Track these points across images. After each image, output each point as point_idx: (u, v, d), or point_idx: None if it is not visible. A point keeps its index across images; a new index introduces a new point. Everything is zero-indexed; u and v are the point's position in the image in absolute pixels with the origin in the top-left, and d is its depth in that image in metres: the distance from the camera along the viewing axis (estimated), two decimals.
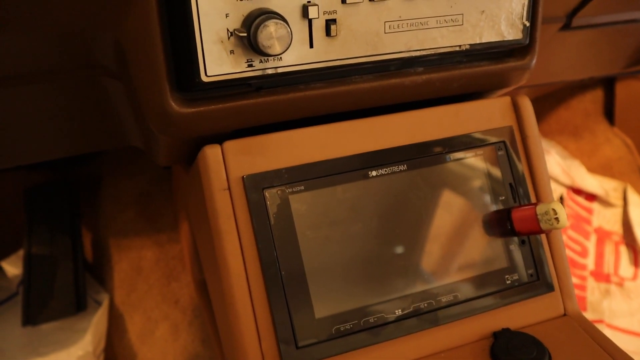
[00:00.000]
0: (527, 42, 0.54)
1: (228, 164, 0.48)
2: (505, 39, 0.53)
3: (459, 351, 0.52)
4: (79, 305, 0.94)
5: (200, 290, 0.94)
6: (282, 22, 0.42)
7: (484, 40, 0.52)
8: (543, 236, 0.56)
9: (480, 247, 0.54)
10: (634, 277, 1.18)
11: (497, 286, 0.54)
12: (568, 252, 1.20)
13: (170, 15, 0.43)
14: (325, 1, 0.45)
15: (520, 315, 0.54)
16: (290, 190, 0.49)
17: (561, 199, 1.25)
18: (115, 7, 0.41)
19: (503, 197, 0.55)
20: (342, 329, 0.49)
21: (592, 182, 1.27)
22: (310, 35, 0.45)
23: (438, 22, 0.50)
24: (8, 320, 0.94)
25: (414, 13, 0.48)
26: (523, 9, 0.52)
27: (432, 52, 0.50)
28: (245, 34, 0.42)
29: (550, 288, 0.55)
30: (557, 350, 0.50)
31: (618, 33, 0.84)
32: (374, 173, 0.52)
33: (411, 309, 0.51)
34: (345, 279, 0.50)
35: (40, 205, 1.00)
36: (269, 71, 0.45)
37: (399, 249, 0.52)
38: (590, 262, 1.20)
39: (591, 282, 1.18)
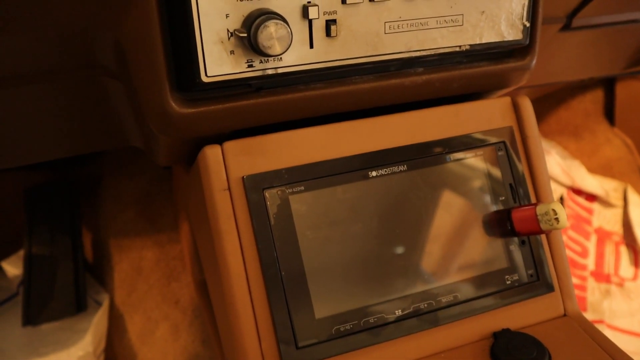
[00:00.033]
0: (527, 42, 0.54)
1: (228, 164, 0.49)
2: (505, 40, 0.53)
3: (459, 351, 0.52)
4: (79, 306, 0.94)
5: (200, 290, 0.94)
6: (282, 22, 0.42)
7: (484, 41, 0.52)
8: (543, 236, 0.56)
9: (480, 248, 0.54)
10: (634, 278, 1.18)
11: (497, 286, 0.54)
12: (568, 253, 1.20)
13: (171, 15, 0.43)
14: (326, 1, 0.45)
15: (520, 315, 0.54)
16: (290, 190, 0.49)
17: (561, 200, 1.25)
18: (116, 7, 0.41)
19: (503, 198, 0.55)
20: (342, 329, 0.49)
21: (592, 183, 1.27)
22: (310, 36, 0.46)
23: (438, 22, 0.50)
24: (8, 320, 0.94)
25: (414, 13, 0.48)
26: (523, 9, 0.52)
27: (432, 52, 0.50)
28: (245, 35, 0.42)
29: (550, 288, 0.55)
30: (557, 350, 0.50)
31: (618, 33, 0.84)
32: (374, 173, 0.52)
33: (411, 309, 0.51)
34: (345, 279, 0.50)
35: (40, 205, 1.01)
36: (269, 71, 0.45)
37: (399, 250, 0.52)
38: (590, 262, 1.20)
39: (591, 283, 1.18)
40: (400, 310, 0.51)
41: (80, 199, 1.05)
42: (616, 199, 1.29)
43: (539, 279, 0.55)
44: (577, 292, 1.16)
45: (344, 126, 0.52)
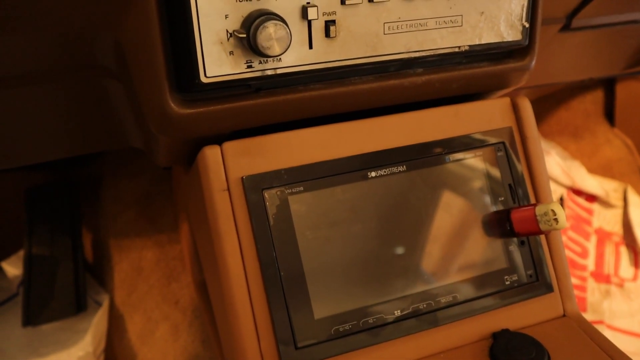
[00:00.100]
0: (527, 43, 0.54)
1: (227, 165, 0.49)
2: (505, 40, 0.53)
3: (459, 352, 0.52)
4: (79, 306, 0.94)
5: (200, 290, 0.94)
6: (281, 23, 0.42)
7: (483, 41, 0.52)
8: (542, 237, 0.56)
9: (479, 248, 0.54)
10: (634, 278, 1.18)
11: (496, 287, 0.54)
12: (568, 253, 1.20)
13: (170, 16, 0.43)
14: (325, 2, 0.45)
15: (519, 316, 0.54)
16: (289, 191, 0.49)
17: (561, 200, 1.25)
18: (115, 7, 0.41)
19: (502, 198, 0.55)
20: (341, 329, 0.49)
21: (592, 183, 1.27)
22: (309, 36, 0.46)
23: (437, 23, 0.50)
24: (8, 320, 0.94)
25: (414, 14, 0.48)
26: (522, 10, 0.52)
27: (432, 53, 0.50)
28: (244, 35, 0.42)
29: (549, 289, 0.55)
30: (557, 351, 0.50)
31: (618, 34, 0.84)
32: (373, 174, 0.52)
33: (410, 310, 0.51)
34: (344, 279, 0.50)
35: (40, 205, 1.01)
36: (268, 72, 0.45)
37: (398, 250, 0.52)
38: (590, 262, 1.20)
39: (591, 283, 1.18)
40: (399, 311, 0.51)
41: (80, 199, 1.05)
42: (616, 199, 1.29)
43: (538, 279, 0.55)
44: (577, 292, 1.16)
45: (344, 127, 0.52)
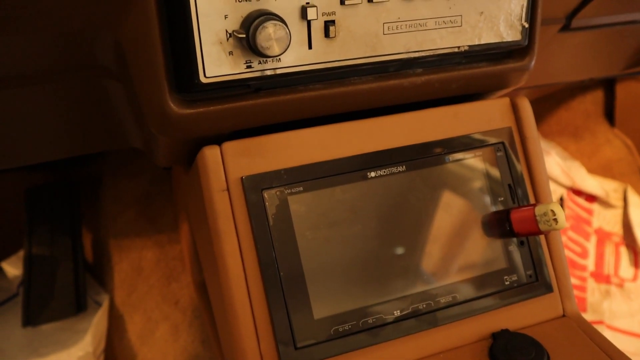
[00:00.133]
0: (526, 43, 0.54)
1: (227, 165, 0.49)
2: (504, 40, 0.53)
3: (458, 352, 0.52)
4: (79, 306, 0.94)
5: (200, 290, 0.94)
6: (280, 23, 0.42)
7: (483, 42, 0.52)
8: (542, 237, 0.56)
9: (479, 248, 0.54)
10: (634, 278, 1.18)
11: (496, 287, 0.54)
12: (568, 253, 1.20)
13: (170, 16, 0.43)
14: (324, 2, 0.45)
15: (519, 316, 0.54)
16: (289, 191, 0.49)
17: (561, 200, 1.25)
18: (115, 7, 0.41)
19: (502, 198, 0.55)
20: (340, 329, 0.49)
21: (592, 183, 1.27)
22: (309, 37, 0.46)
23: (437, 23, 0.50)
24: (8, 321, 0.95)
25: (413, 14, 0.48)
26: (522, 10, 0.52)
27: (431, 53, 0.50)
28: (244, 35, 0.42)
29: (549, 289, 0.55)
30: (556, 351, 0.50)
31: (618, 34, 0.84)
32: (372, 174, 0.52)
33: (410, 310, 0.51)
34: (344, 279, 0.50)
35: (40, 205, 1.01)
36: (268, 72, 0.45)
37: (398, 250, 0.52)
38: (590, 263, 1.20)
39: (591, 283, 1.18)
40: (399, 311, 0.51)
41: (80, 200, 1.05)
42: (616, 199, 1.29)
43: (537, 279, 0.55)
44: (577, 292, 1.16)
45: (343, 127, 0.52)
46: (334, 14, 0.46)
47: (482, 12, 0.51)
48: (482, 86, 0.57)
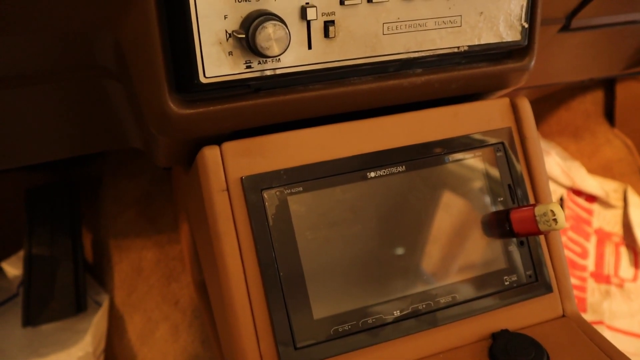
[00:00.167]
0: (526, 43, 0.54)
1: (227, 165, 0.49)
2: (504, 41, 0.53)
3: (458, 352, 0.52)
4: (79, 306, 0.95)
5: (200, 291, 0.94)
6: (280, 23, 0.42)
7: (482, 42, 0.52)
8: (542, 237, 0.56)
9: (479, 248, 0.54)
10: (634, 279, 1.18)
11: (495, 287, 0.54)
12: (568, 254, 1.20)
13: (170, 16, 0.43)
14: (324, 2, 0.45)
15: (518, 316, 0.54)
16: (288, 191, 0.49)
17: (561, 200, 1.25)
18: (115, 8, 0.41)
19: (502, 198, 0.55)
20: (340, 329, 0.49)
21: (592, 184, 1.27)
22: (308, 37, 0.46)
23: (437, 23, 0.50)
24: (8, 321, 0.95)
25: (413, 14, 0.48)
26: (522, 10, 0.52)
27: (431, 53, 0.50)
28: (243, 36, 0.42)
29: (548, 289, 0.55)
30: (556, 351, 0.50)
31: (618, 34, 0.84)
32: (372, 174, 0.52)
33: (410, 310, 0.51)
34: (343, 279, 0.50)
35: (40, 206, 1.01)
36: (268, 72, 0.45)
37: (398, 250, 0.52)
38: (590, 263, 1.20)
39: (591, 284, 1.18)
40: (398, 311, 0.51)
41: (80, 200, 1.06)
42: (616, 199, 1.29)
43: (537, 279, 0.55)
44: (576, 293, 1.16)
45: (343, 127, 0.52)
46: (334, 14, 0.46)
47: (481, 13, 0.51)
48: (481, 86, 0.57)
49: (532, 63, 0.56)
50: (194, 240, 0.83)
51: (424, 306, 0.51)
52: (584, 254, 1.21)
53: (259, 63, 0.45)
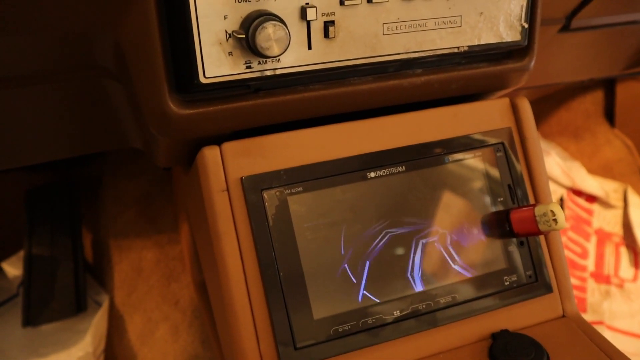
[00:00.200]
0: (526, 43, 0.54)
1: (227, 165, 0.49)
2: (504, 41, 0.53)
3: (458, 352, 0.52)
4: (79, 306, 0.95)
5: (200, 291, 0.94)
6: (280, 23, 0.42)
7: (482, 42, 0.52)
8: (542, 237, 0.56)
9: (479, 248, 0.54)
10: (634, 279, 1.18)
11: (495, 287, 0.54)
12: (568, 254, 1.20)
13: (170, 17, 0.43)
14: (324, 3, 0.45)
15: (518, 316, 0.54)
16: (288, 191, 0.49)
17: (561, 201, 1.25)
18: (115, 9, 0.41)
19: (502, 199, 0.55)
20: (340, 330, 0.49)
21: (592, 184, 1.27)
22: (308, 37, 0.46)
23: (436, 23, 0.50)
24: (8, 321, 0.95)
25: (413, 15, 0.48)
26: (521, 10, 0.52)
27: (431, 53, 0.50)
28: (243, 36, 0.42)
29: (548, 289, 0.55)
30: (556, 351, 0.50)
31: (618, 34, 0.84)
32: (372, 174, 0.52)
33: (410, 310, 0.51)
34: (343, 280, 0.50)
35: (40, 206, 1.01)
36: (268, 73, 0.45)
37: (398, 250, 0.52)
38: (590, 263, 1.20)
39: (591, 284, 1.18)
40: (398, 311, 0.51)
41: (80, 200, 1.06)
42: (616, 200, 1.29)
43: (537, 280, 0.55)
44: (577, 293, 1.16)
45: (343, 127, 0.52)
46: (334, 14, 0.46)
47: (481, 13, 0.51)
48: (481, 86, 0.57)
49: (532, 63, 0.56)
50: (194, 241, 0.83)
51: (424, 306, 0.51)
52: (584, 254, 1.21)
53: (259, 63, 0.45)
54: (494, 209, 0.55)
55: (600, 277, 1.18)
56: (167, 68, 0.44)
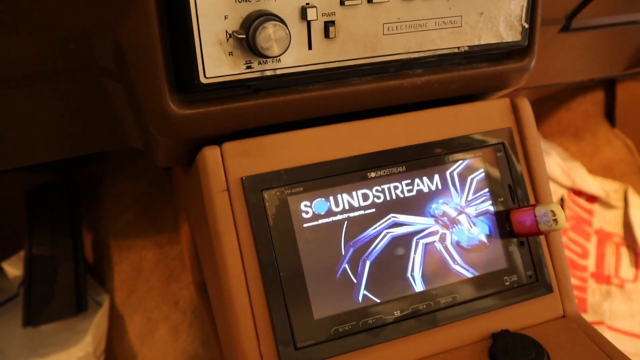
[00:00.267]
0: (526, 43, 0.54)
1: (227, 166, 0.49)
2: (504, 41, 0.53)
3: (458, 352, 0.52)
4: (79, 306, 0.95)
5: (200, 291, 0.94)
6: (280, 23, 0.42)
7: (482, 42, 0.52)
8: (542, 237, 0.56)
9: (479, 249, 0.54)
10: (635, 279, 1.18)
11: (496, 287, 0.54)
12: (569, 254, 1.20)
13: (170, 17, 0.43)
14: (324, 3, 0.45)
15: (519, 316, 0.54)
16: (289, 191, 0.49)
17: (562, 201, 1.25)
18: (115, 9, 0.41)
19: (502, 199, 0.55)
20: (340, 330, 0.49)
21: (592, 184, 1.27)
22: (308, 37, 0.46)
23: (437, 23, 0.50)
24: (9, 321, 0.95)
25: (413, 15, 0.48)
26: (522, 10, 0.52)
27: (431, 53, 0.50)
28: (244, 36, 0.42)
29: (549, 289, 0.55)
30: (556, 351, 0.50)
31: (618, 35, 0.84)
32: (372, 174, 0.52)
33: (410, 310, 0.51)
34: (344, 280, 0.50)
35: (41, 206, 1.01)
36: (268, 73, 0.45)
37: (398, 250, 0.52)
38: (590, 263, 1.20)
39: (592, 284, 1.18)
40: (399, 311, 0.51)
41: (80, 200, 1.06)
42: (617, 200, 1.29)
43: (538, 280, 0.55)
44: (577, 293, 1.16)
45: (343, 127, 0.52)
46: (334, 14, 0.46)
47: (482, 13, 0.51)
48: (482, 87, 0.57)
49: (533, 63, 0.56)
50: (194, 241, 0.83)
51: (424, 306, 0.51)
52: (584, 255, 1.21)
53: (259, 63, 0.45)
54: (494, 209, 0.55)
55: (601, 277, 1.18)
56: (167, 68, 0.44)
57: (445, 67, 0.53)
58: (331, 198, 0.50)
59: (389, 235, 0.52)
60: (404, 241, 0.52)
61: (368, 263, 0.51)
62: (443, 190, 0.54)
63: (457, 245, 0.54)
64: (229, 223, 0.48)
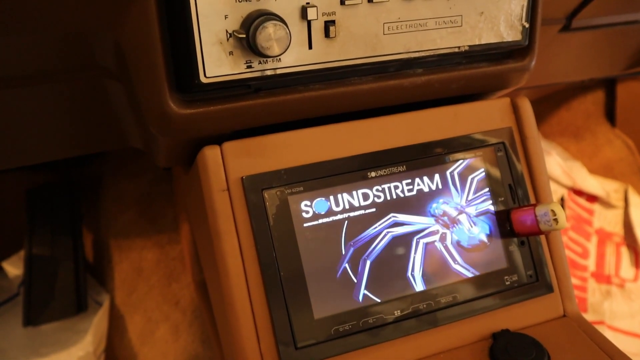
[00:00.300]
0: (527, 43, 0.54)
1: (227, 165, 0.49)
2: (505, 41, 0.53)
3: (458, 352, 0.52)
4: (79, 306, 0.95)
5: (200, 291, 0.94)
6: (281, 23, 0.42)
7: (483, 42, 0.52)
8: (543, 237, 0.56)
9: (479, 248, 0.54)
10: (635, 279, 1.18)
11: (496, 287, 0.54)
12: (569, 254, 1.20)
13: (170, 16, 0.43)
14: (324, 2, 0.45)
15: (519, 316, 0.54)
16: (289, 191, 0.49)
17: (562, 200, 1.25)
18: (115, 9, 0.41)
19: (502, 198, 0.55)
20: (341, 329, 0.49)
21: (593, 184, 1.27)
22: (309, 37, 0.46)
23: (437, 23, 0.50)
24: (9, 320, 0.95)
25: (413, 14, 0.48)
26: (522, 10, 0.52)
27: (431, 53, 0.50)
28: (244, 36, 0.42)
29: (549, 289, 0.55)
30: (557, 351, 0.50)
31: (618, 34, 0.84)
32: (373, 174, 0.52)
33: (410, 310, 0.51)
34: (344, 279, 0.50)
35: (41, 205, 1.01)
36: (268, 72, 0.45)
37: (398, 250, 0.52)
38: (591, 263, 1.20)
39: (592, 284, 1.18)
40: (399, 311, 0.51)
41: (80, 200, 1.06)
42: (617, 200, 1.29)
43: (538, 279, 0.55)
44: (577, 293, 1.16)
45: (343, 127, 0.52)
46: (334, 14, 0.46)
47: (482, 12, 0.51)
48: (482, 86, 0.57)
49: (533, 63, 0.56)
50: (194, 240, 0.83)
51: (424, 306, 0.51)
52: (584, 254, 1.21)
53: (260, 63, 0.45)
54: (494, 209, 0.55)
55: (601, 277, 1.18)
56: (167, 68, 0.44)
57: (446, 67, 0.53)
58: (331, 197, 0.50)
59: (389, 234, 0.52)
60: (404, 241, 0.52)
61: (368, 263, 0.51)
62: (443, 190, 0.54)
63: (458, 244, 0.54)
64: (229, 223, 0.48)
